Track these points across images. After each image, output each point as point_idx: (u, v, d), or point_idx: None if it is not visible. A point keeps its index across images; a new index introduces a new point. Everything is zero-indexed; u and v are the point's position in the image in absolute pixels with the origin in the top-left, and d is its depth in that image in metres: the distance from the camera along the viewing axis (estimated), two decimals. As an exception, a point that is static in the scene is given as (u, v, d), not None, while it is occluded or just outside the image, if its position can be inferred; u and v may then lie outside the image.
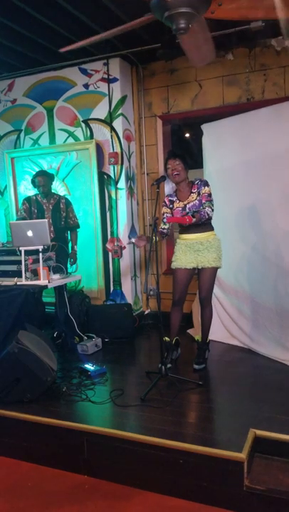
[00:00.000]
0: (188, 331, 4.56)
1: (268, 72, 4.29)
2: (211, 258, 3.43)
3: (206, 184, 3.42)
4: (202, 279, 3.52)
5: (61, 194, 4.91)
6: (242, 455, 2.28)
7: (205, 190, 3.39)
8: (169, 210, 3.53)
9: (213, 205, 3.38)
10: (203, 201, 3.37)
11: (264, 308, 3.89)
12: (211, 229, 3.48)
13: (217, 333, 4.26)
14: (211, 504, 2.30)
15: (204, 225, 3.43)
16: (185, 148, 6.58)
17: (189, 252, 3.48)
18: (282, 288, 3.72)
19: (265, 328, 3.89)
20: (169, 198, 3.53)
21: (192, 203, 3.42)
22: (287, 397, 2.99)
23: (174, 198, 3.50)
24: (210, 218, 3.40)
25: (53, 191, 4.57)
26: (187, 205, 3.43)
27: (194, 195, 3.42)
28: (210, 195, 3.39)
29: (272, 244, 3.78)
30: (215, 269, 3.49)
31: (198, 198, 3.40)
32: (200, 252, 3.45)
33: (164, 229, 3.58)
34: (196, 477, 2.36)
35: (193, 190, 3.43)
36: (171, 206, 3.51)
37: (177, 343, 3.77)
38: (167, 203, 3.53)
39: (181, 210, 3.42)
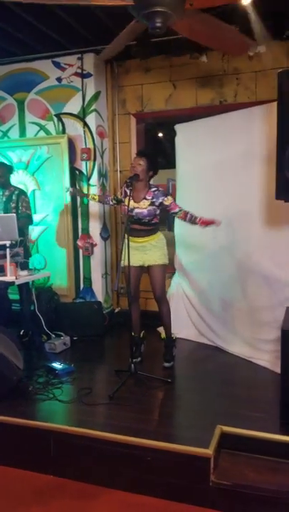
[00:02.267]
0: (158, 329, 4.58)
1: (240, 76, 4.36)
2: (157, 256, 3.51)
3: (165, 195, 3.46)
4: (153, 278, 3.57)
5: (30, 188, 4.83)
6: (209, 451, 2.32)
7: (168, 200, 3.43)
8: (120, 199, 3.61)
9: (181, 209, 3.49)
10: (176, 210, 3.45)
11: (232, 307, 3.96)
12: (157, 232, 3.57)
13: (186, 331, 4.31)
14: (177, 500, 2.32)
15: (152, 230, 3.51)
16: (158, 148, 6.62)
17: (137, 251, 3.51)
18: (249, 287, 3.79)
19: (232, 326, 3.96)
20: (125, 190, 3.52)
21: (140, 210, 3.42)
22: (254, 394, 3.06)
23: (129, 193, 3.47)
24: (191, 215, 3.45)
25: (19, 184, 4.47)
26: (134, 210, 3.42)
27: (146, 203, 3.41)
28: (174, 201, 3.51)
29: (241, 244, 3.85)
30: (163, 266, 3.55)
31: (148, 208, 3.40)
32: (146, 251, 3.51)
33: (108, 201, 3.81)
34: (164, 474, 2.38)
35: (147, 197, 3.42)
36: (122, 198, 3.52)
37: (144, 337, 3.85)
38: (123, 193, 3.54)
39: (127, 209, 3.35)
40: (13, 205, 4.24)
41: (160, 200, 3.42)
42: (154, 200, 3.42)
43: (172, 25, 2.54)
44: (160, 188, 3.51)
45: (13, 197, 4.26)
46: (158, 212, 3.47)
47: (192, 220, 3.41)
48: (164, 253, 3.57)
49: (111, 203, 3.83)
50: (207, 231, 3.57)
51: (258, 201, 3.74)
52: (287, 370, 2.66)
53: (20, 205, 4.25)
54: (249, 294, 3.80)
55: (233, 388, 3.18)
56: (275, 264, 3.63)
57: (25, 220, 4.21)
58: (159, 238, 3.56)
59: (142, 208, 3.43)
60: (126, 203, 3.37)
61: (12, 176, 4.47)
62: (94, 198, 3.99)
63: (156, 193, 3.43)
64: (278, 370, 2.87)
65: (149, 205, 3.42)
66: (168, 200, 3.44)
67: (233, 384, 3.27)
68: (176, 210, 3.46)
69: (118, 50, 3.17)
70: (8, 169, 4.37)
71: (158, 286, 3.58)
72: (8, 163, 4.45)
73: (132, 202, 3.42)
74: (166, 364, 3.57)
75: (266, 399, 2.95)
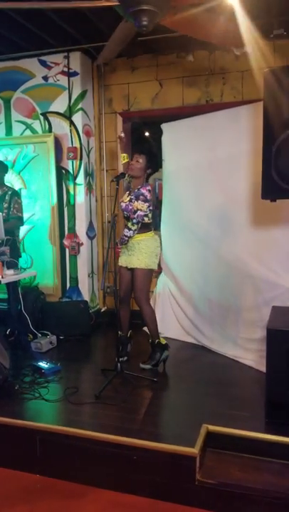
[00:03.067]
0: (144, 328, 4.58)
1: (226, 75, 4.38)
2: (140, 259, 3.45)
3: (139, 198, 3.38)
4: (133, 282, 3.54)
5: (16, 187, 4.79)
6: (194, 450, 2.32)
7: (135, 204, 3.37)
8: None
9: (135, 223, 3.37)
10: (129, 221, 3.41)
11: (218, 306, 3.98)
12: (145, 231, 3.47)
13: (172, 330, 4.31)
14: (163, 499, 2.33)
15: (140, 228, 3.45)
16: (145, 147, 6.58)
17: (125, 251, 3.53)
18: (235, 286, 3.82)
19: (218, 325, 3.98)
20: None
21: (122, 204, 3.49)
22: (238, 393, 3.09)
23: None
24: (127, 236, 3.41)
25: (7, 183, 4.43)
26: (122, 203, 3.49)
27: (127, 198, 3.48)
28: (135, 211, 3.36)
29: (228, 243, 3.87)
30: (142, 270, 3.45)
31: (126, 203, 3.44)
32: (131, 252, 3.49)
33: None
34: (150, 473, 2.38)
35: (131, 194, 3.47)
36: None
37: (130, 336, 3.79)
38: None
39: (121, 204, 3.48)
40: (5, 205, 4.22)
41: (134, 199, 3.40)
42: (132, 196, 3.43)
43: (161, 21, 2.52)
44: (145, 190, 3.40)
45: (6, 197, 4.24)
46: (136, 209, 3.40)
47: (121, 241, 3.46)
48: (149, 257, 3.45)
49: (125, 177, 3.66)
50: (193, 231, 3.58)
51: (244, 201, 3.76)
52: (272, 369, 2.68)
53: (12, 207, 4.23)
54: (235, 293, 3.83)
55: (218, 387, 3.20)
56: (262, 263, 3.66)
57: (15, 222, 4.21)
58: (146, 240, 3.46)
59: (124, 201, 3.48)
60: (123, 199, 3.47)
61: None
62: (124, 159, 3.82)
63: (137, 191, 3.42)
64: (263, 369, 2.90)
65: (129, 200, 3.44)
66: (135, 204, 3.38)
67: (219, 383, 3.28)
68: (130, 221, 3.40)
69: (115, 53, 3.15)
70: (4, 168, 4.33)
71: (137, 290, 3.50)
72: (3, 162, 4.40)
73: (126, 197, 3.50)
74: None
75: (252, 398, 2.97)
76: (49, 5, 2.90)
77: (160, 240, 3.70)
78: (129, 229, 3.40)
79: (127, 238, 3.42)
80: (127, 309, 3.75)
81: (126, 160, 3.80)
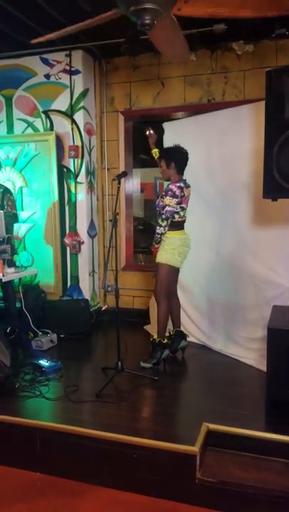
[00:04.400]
0: (145, 327, 4.59)
1: (228, 74, 4.37)
2: (159, 254, 3.52)
3: (166, 194, 3.40)
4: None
5: (18, 185, 4.79)
6: (195, 448, 2.33)
7: (165, 200, 3.40)
8: None
9: (164, 218, 3.40)
10: (160, 217, 3.44)
11: (218, 305, 3.98)
12: (174, 229, 3.50)
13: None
14: (164, 497, 2.33)
15: (170, 225, 3.48)
16: (146, 146, 6.57)
17: None
18: (236, 285, 3.82)
19: (219, 324, 3.98)
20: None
21: (157, 200, 3.54)
22: (239, 392, 3.09)
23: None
24: (159, 234, 3.45)
25: (1, 182, 4.43)
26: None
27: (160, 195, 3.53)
28: (164, 207, 3.40)
29: (229, 242, 3.87)
30: (162, 265, 3.51)
31: (160, 199, 3.48)
32: (159, 247, 3.55)
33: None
34: (150, 471, 2.38)
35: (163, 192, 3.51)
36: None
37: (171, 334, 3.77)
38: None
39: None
40: None
41: (164, 195, 3.42)
42: (163, 193, 3.46)
43: (179, 13, 2.51)
44: (174, 186, 3.41)
45: None
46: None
47: (154, 239, 3.50)
48: (171, 253, 3.48)
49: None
50: (194, 231, 3.58)
51: (245, 200, 3.76)
52: (272, 368, 2.68)
53: (6, 204, 4.22)
54: (236, 292, 3.83)
55: (219, 386, 3.20)
56: (262, 263, 3.67)
57: (10, 219, 4.19)
58: (172, 237, 3.49)
59: (158, 199, 3.52)
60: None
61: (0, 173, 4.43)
62: (156, 154, 3.81)
63: (166, 187, 3.45)
64: (264, 368, 2.90)
65: (160, 197, 3.48)
66: (164, 200, 3.41)
67: (219, 382, 3.28)
68: (160, 217, 3.43)
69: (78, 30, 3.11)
70: None
71: (156, 284, 3.57)
72: None
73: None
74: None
75: (252, 397, 2.97)
76: (74, 29, 2.89)
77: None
78: (160, 225, 3.43)
79: (158, 236, 3.45)
80: (173, 303, 3.73)
81: (157, 155, 3.80)
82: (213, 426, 2.55)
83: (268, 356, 2.70)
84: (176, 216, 3.45)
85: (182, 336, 3.77)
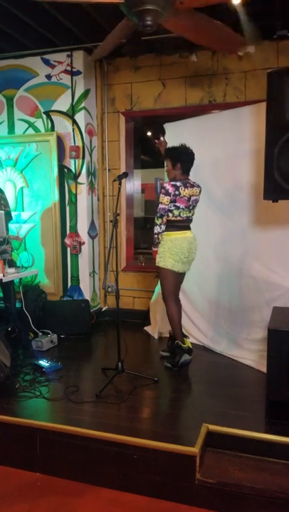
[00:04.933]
0: (146, 328, 4.59)
1: (229, 76, 4.37)
2: (157, 257, 3.48)
3: (160, 191, 3.39)
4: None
5: (18, 186, 4.79)
6: (194, 449, 2.33)
7: (160, 197, 3.38)
8: None
9: (159, 216, 3.38)
10: (156, 215, 3.42)
11: (219, 306, 3.99)
12: (170, 230, 3.44)
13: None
14: (163, 498, 2.33)
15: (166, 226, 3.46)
16: (147, 147, 6.61)
17: None
18: (236, 287, 3.82)
19: (219, 325, 3.98)
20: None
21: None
22: (239, 393, 3.08)
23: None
24: (156, 233, 3.43)
25: (4, 182, 4.42)
26: None
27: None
28: (157, 205, 3.38)
29: (229, 244, 3.87)
30: (160, 269, 3.47)
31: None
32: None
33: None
34: (150, 472, 2.38)
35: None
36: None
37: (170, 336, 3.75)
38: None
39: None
40: None
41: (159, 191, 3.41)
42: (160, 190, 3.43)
43: (164, 24, 2.54)
44: (168, 184, 3.37)
45: None
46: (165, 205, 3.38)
47: (154, 240, 3.45)
48: (159, 256, 3.44)
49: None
50: (196, 233, 3.58)
51: (246, 201, 3.76)
52: (273, 369, 2.68)
53: (3, 202, 4.21)
54: (236, 294, 3.83)
55: (219, 387, 3.20)
56: (263, 264, 3.67)
57: (6, 218, 4.17)
58: (166, 239, 3.44)
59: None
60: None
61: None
62: None
63: (163, 184, 3.42)
64: (264, 369, 2.90)
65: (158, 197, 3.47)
66: (160, 197, 3.38)
67: (220, 383, 3.28)
68: (155, 216, 3.41)
69: (110, 49, 3.17)
70: None
71: (161, 288, 3.56)
72: None
73: None
74: (165, 362, 3.58)
75: (252, 398, 2.97)
76: None
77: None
78: (155, 224, 3.40)
79: (156, 236, 3.42)
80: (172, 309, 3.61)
81: None
82: (213, 427, 2.55)
83: (268, 357, 2.70)
84: (170, 215, 3.40)
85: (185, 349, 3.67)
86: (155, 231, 3.42)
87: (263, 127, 3.07)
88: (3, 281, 3.69)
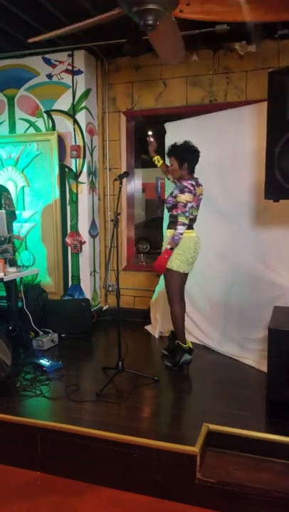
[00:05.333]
0: (146, 327, 4.59)
1: (230, 75, 4.37)
2: (170, 260, 3.41)
3: (182, 191, 3.27)
4: None
5: (19, 185, 4.79)
6: (195, 449, 2.33)
7: (178, 197, 3.28)
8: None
9: (186, 216, 3.27)
10: (174, 213, 3.32)
11: (219, 306, 3.98)
12: (173, 228, 3.39)
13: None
14: (163, 497, 2.34)
15: (171, 222, 3.43)
16: (147, 147, 6.56)
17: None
18: (237, 286, 3.82)
19: (219, 325, 3.98)
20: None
21: (168, 197, 3.48)
22: (239, 392, 3.08)
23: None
24: (181, 233, 3.28)
25: (5, 181, 4.43)
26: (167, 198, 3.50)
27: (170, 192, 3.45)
28: (185, 205, 3.26)
29: (230, 243, 3.87)
30: (170, 272, 3.40)
31: (169, 196, 3.42)
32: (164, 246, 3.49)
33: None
34: (150, 471, 2.38)
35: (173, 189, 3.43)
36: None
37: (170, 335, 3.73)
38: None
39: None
40: None
41: (175, 192, 3.33)
42: (175, 190, 3.36)
43: (181, 15, 2.51)
44: (187, 183, 3.31)
45: None
46: (176, 202, 3.33)
47: (173, 238, 3.29)
48: (175, 257, 3.33)
49: (172, 178, 3.62)
50: (195, 230, 3.57)
51: (247, 201, 3.76)
52: (273, 369, 2.68)
53: (4, 203, 4.21)
54: (237, 293, 3.83)
55: (219, 387, 3.20)
56: (263, 263, 3.67)
57: (8, 217, 4.16)
58: (168, 236, 3.42)
59: (168, 196, 3.47)
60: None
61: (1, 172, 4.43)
62: (158, 162, 3.77)
63: (179, 184, 3.34)
64: (264, 369, 2.90)
65: (170, 194, 3.42)
66: (177, 197, 3.29)
67: (220, 382, 3.29)
68: (174, 213, 3.33)
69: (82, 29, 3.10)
70: None
71: (166, 290, 3.51)
72: None
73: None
74: (166, 361, 3.58)
75: (252, 397, 2.97)
76: (77, 27, 2.90)
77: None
78: (183, 224, 3.26)
79: (180, 236, 3.26)
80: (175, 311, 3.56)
81: (160, 162, 3.77)
82: (213, 426, 2.55)
83: (268, 357, 2.70)
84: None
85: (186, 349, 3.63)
86: (180, 231, 3.26)
87: (264, 127, 3.06)
88: (5, 280, 3.70)
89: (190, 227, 3.43)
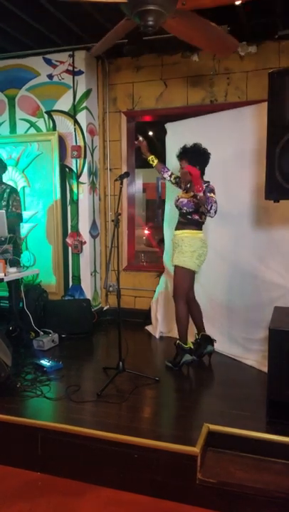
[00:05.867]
0: (146, 327, 4.59)
1: (231, 76, 4.37)
2: (176, 256, 3.44)
3: (212, 191, 3.30)
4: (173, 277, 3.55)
5: (20, 185, 4.80)
6: (195, 449, 2.33)
7: (212, 196, 3.28)
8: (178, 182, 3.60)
9: (215, 210, 3.27)
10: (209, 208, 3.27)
11: (220, 306, 3.99)
12: (192, 228, 3.42)
13: (174, 329, 4.31)
14: (164, 498, 2.33)
15: (184, 224, 3.44)
16: (149, 147, 6.56)
17: (175, 250, 3.51)
18: (238, 286, 3.82)
19: (220, 325, 3.98)
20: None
21: (182, 199, 3.47)
22: (240, 393, 3.08)
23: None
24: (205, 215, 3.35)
25: (8, 181, 4.44)
26: (179, 199, 3.49)
27: (190, 194, 3.42)
28: (215, 203, 3.27)
29: (231, 243, 3.87)
30: (179, 268, 3.42)
31: (188, 199, 3.41)
32: (175, 248, 3.48)
33: (166, 175, 3.66)
34: (150, 471, 2.38)
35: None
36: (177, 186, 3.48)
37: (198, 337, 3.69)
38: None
39: (181, 200, 3.50)
40: (3, 203, 4.21)
41: (208, 193, 3.27)
42: (207, 192, 3.29)
43: (162, 24, 2.54)
44: (212, 185, 3.35)
45: (5, 195, 4.23)
46: (196, 207, 3.37)
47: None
48: (189, 256, 3.38)
49: (168, 178, 3.65)
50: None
51: (247, 201, 3.77)
52: (274, 369, 2.68)
53: (11, 204, 4.22)
54: (238, 293, 3.83)
55: (220, 387, 3.21)
56: (264, 264, 3.67)
57: (14, 219, 4.19)
58: (190, 238, 3.41)
59: (185, 197, 3.44)
60: (178, 195, 3.49)
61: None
62: (153, 161, 3.74)
63: (209, 186, 3.33)
64: (265, 369, 2.90)
65: (192, 196, 3.38)
66: (212, 197, 3.27)
67: (221, 383, 3.29)
68: (194, 218, 3.40)
69: (108, 46, 3.15)
70: (2, 166, 4.34)
71: (174, 288, 3.50)
72: (2, 161, 4.41)
73: (180, 192, 3.52)
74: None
75: (253, 398, 2.97)
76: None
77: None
78: (209, 216, 3.30)
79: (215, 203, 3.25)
80: (193, 309, 3.64)
81: (155, 162, 3.74)
82: (214, 427, 2.56)
83: (269, 357, 2.70)
84: (203, 216, 3.42)
85: (209, 340, 3.66)
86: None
87: (264, 127, 3.06)
88: (5, 280, 3.70)
89: (199, 227, 3.45)
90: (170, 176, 3.76)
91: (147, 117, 5.09)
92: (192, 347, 3.55)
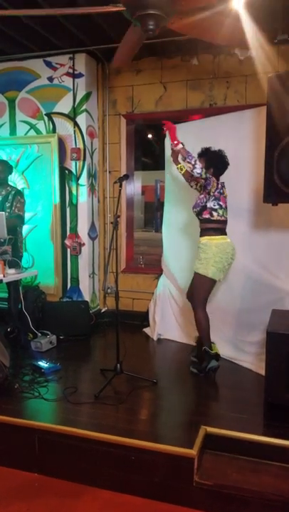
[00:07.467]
0: (144, 329, 4.60)
1: (230, 79, 4.39)
2: (196, 261, 3.40)
3: (223, 186, 3.40)
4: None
5: (19, 187, 4.81)
6: (193, 451, 2.34)
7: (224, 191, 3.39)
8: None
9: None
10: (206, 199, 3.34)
11: (218, 309, 3.98)
12: (210, 234, 3.39)
13: (172, 332, 4.33)
14: (161, 500, 2.34)
15: (202, 230, 3.43)
16: (148, 149, 6.62)
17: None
18: (235, 289, 3.83)
19: (218, 328, 3.97)
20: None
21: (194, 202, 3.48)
22: (237, 395, 3.09)
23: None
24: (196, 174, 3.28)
25: (10, 183, 4.46)
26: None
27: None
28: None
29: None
30: (197, 275, 3.38)
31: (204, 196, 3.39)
32: (197, 253, 3.45)
33: (200, 172, 3.30)
34: (148, 473, 2.39)
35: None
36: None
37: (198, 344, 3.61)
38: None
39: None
40: (8, 204, 4.24)
41: (211, 190, 3.30)
42: (211, 189, 3.31)
43: (169, 26, 2.54)
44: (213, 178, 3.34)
45: (10, 196, 4.25)
46: (204, 201, 3.35)
47: (187, 152, 3.28)
48: (199, 262, 3.34)
49: (199, 170, 3.28)
50: (195, 234, 3.58)
51: (245, 204, 3.78)
52: (271, 372, 2.69)
53: (14, 206, 4.24)
54: (235, 296, 3.84)
55: (217, 389, 3.21)
56: (262, 266, 3.68)
57: (15, 220, 4.19)
58: (206, 244, 3.36)
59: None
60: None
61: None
62: (181, 169, 3.67)
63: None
64: (262, 371, 2.91)
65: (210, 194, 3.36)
66: (224, 192, 3.36)
67: (218, 385, 3.30)
68: (204, 216, 3.38)
69: (131, 55, 3.11)
70: (9, 168, 4.37)
71: (193, 294, 3.46)
72: (9, 163, 4.42)
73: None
74: (191, 367, 3.51)
75: (250, 400, 2.98)
76: (61, 11, 2.94)
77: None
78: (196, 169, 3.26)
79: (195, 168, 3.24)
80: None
81: (184, 170, 3.65)
82: (211, 429, 2.56)
83: (266, 360, 2.71)
84: (215, 214, 3.35)
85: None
86: (198, 168, 3.21)
87: (263, 131, 3.08)
88: (4, 281, 3.71)
89: (223, 232, 3.42)
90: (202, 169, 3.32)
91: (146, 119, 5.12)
92: (218, 352, 3.49)
